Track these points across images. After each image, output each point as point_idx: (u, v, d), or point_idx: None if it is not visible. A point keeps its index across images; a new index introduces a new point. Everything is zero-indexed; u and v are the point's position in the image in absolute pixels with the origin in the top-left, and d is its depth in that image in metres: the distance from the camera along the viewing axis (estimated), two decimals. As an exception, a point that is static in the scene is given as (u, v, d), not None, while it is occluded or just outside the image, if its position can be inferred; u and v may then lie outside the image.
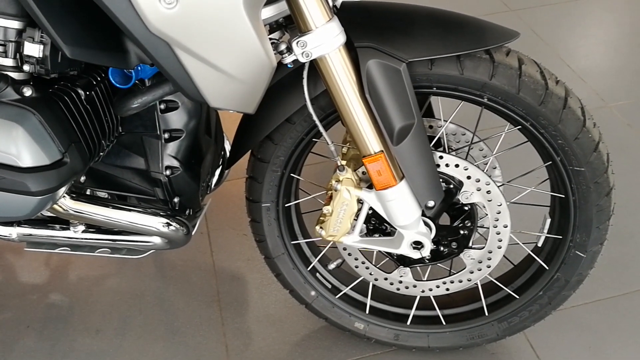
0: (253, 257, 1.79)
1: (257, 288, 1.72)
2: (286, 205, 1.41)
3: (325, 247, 1.48)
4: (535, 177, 1.47)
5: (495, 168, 1.42)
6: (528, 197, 1.41)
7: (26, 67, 1.05)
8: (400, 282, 1.42)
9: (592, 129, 1.26)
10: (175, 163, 1.29)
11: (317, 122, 1.21)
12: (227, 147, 1.58)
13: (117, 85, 1.16)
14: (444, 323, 1.50)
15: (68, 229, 1.39)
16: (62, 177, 1.07)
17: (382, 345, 1.56)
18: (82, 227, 1.38)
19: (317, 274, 1.50)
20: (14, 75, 1.07)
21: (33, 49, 1.03)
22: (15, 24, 1.05)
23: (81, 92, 1.13)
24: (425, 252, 1.30)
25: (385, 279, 1.43)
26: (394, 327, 1.52)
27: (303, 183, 1.47)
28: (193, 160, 1.33)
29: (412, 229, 1.27)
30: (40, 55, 1.04)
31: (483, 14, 2.77)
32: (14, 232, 1.40)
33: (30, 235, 1.40)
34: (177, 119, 1.27)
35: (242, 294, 1.70)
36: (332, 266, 1.51)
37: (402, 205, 1.23)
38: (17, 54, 1.05)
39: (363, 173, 1.29)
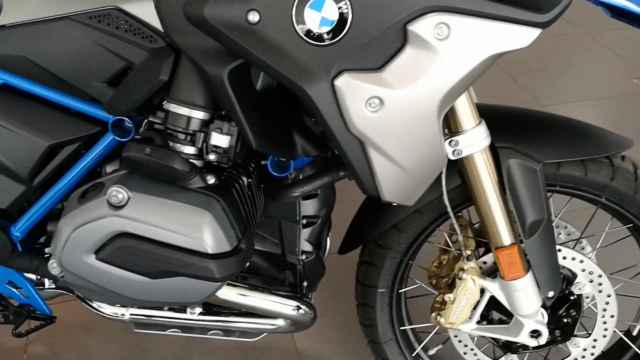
0: (334, 339, 1.82)
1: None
2: (400, 291, 1.47)
3: (431, 332, 1.53)
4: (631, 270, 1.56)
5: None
6: (621, 288, 1.51)
7: (211, 157, 1.11)
8: (506, 367, 1.48)
9: (690, 231, 1.38)
10: (310, 248, 1.35)
11: (451, 214, 1.30)
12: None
13: (274, 173, 1.23)
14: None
15: (184, 311, 1.41)
16: (240, 263, 1.11)
17: None
18: (199, 309, 1.40)
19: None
20: (197, 163, 1.13)
21: (221, 140, 1.10)
22: (202, 115, 1.12)
23: (244, 179, 1.19)
24: (543, 340, 1.36)
25: (492, 365, 1.48)
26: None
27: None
28: (320, 245, 1.39)
29: (533, 318, 1.34)
30: (227, 146, 1.11)
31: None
32: (127, 313, 1.41)
33: (144, 316, 1.42)
34: (314, 206, 1.34)
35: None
36: (432, 352, 1.56)
37: (528, 296, 1.31)
38: (204, 144, 1.11)
39: (484, 263, 1.37)
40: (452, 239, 1.47)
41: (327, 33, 0.96)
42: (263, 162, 1.29)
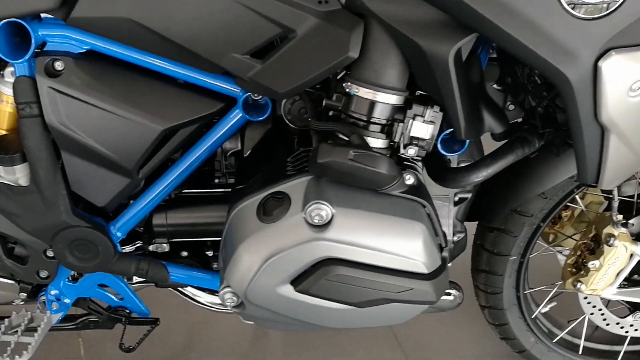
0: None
1: (437, 327, 1.66)
2: (531, 256, 1.36)
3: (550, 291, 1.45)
4: None
5: None
6: None
7: (411, 152, 0.90)
8: (631, 325, 1.43)
9: None
10: (460, 227, 1.19)
11: (615, 181, 1.17)
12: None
13: (446, 154, 1.03)
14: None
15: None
16: (447, 276, 0.93)
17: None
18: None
19: (538, 321, 1.47)
20: None
21: (423, 130, 0.89)
22: (396, 99, 0.89)
23: (418, 164, 1.00)
24: (689, 301, 1.31)
25: (617, 323, 1.43)
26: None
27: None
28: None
29: (683, 280, 1.28)
30: (429, 137, 0.90)
31: None
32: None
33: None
34: (468, 181, 1.16)
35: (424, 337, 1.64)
36: (545, 309, 1.49)
37: (686, 260, 1.23)
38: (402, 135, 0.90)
39: (632, 225, 1.27)
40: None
41: (600, 4, 0.76)
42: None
